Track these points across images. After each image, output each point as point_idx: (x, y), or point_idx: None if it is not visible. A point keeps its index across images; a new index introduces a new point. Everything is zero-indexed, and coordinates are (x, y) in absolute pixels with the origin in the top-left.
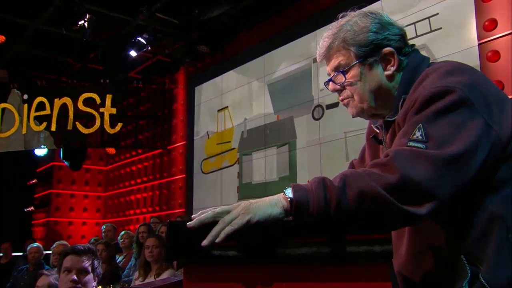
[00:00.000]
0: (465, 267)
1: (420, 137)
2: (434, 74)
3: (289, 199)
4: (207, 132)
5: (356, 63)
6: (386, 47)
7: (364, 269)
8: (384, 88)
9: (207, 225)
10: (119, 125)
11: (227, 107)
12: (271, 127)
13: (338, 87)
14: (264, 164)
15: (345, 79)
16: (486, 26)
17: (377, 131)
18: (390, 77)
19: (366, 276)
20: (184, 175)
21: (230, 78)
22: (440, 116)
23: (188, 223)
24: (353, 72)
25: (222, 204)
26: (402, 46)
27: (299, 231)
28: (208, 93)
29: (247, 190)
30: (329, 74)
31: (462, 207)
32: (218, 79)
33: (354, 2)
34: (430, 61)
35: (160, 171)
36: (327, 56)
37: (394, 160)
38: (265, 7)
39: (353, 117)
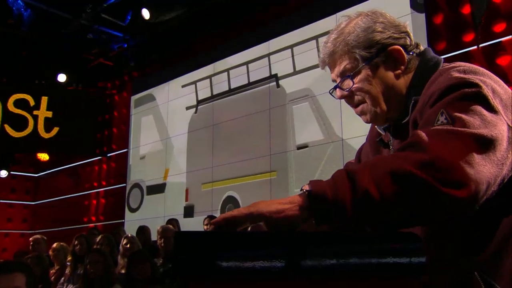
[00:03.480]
0: (479, 284)
1: (445, 121)
2: (450, 71)
3: (306, 192)
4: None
5: (363, 65)
6: (391, 45)
7: (392, 284)
8: (396, 88)
9: (219, 236)
10: (55, 129)
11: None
12: None
13: (346, 93)
14: None
15: (353, 83)
16: (437, 46)
17: (382, 133)
18: (400, 77)
19: None
20: (125, 184)
21: (163, 90)
22: (462, 103)
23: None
24: (361, 76)
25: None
26: (408, 44)
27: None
28: (142, 103)
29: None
30: (334, 81)
31: (479, 219)
32: (155, 89)
33: (302, 16)
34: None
35: (98, 180)
36: (330, 62)
37: (422, 139)
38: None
39: (367, 123)
